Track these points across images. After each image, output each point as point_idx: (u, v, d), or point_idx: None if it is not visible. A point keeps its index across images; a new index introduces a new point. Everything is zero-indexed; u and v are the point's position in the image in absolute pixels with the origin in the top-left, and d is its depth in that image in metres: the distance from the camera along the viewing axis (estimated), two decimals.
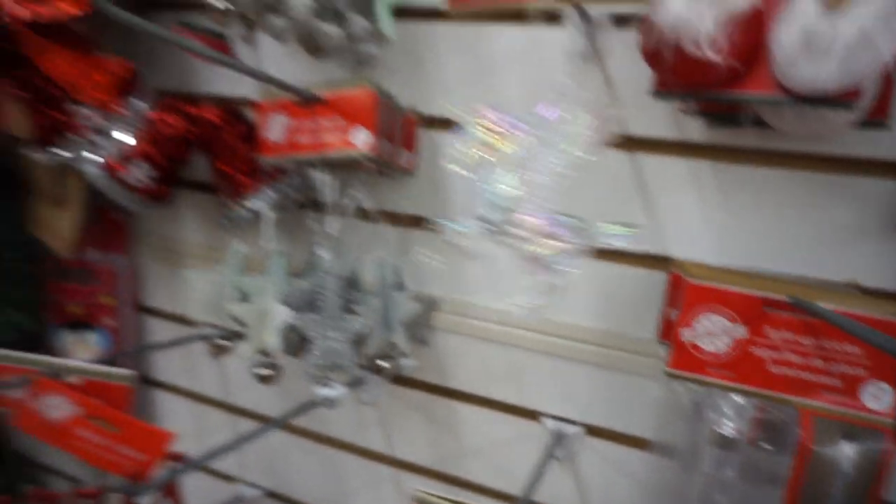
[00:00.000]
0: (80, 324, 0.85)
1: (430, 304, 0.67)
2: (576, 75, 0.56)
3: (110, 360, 0.85)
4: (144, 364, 0.90)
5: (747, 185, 0.54)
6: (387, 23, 0.60)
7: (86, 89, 0.49)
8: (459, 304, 0.67)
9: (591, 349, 0.63)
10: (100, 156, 0.54)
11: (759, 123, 0.46)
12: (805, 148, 0.51)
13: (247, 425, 0.86)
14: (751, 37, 0.39)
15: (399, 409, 0.74)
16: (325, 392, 0.55)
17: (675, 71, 0.41)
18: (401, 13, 0.62)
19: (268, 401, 0.83)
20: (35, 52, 0.48)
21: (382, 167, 0.58)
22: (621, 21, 0.52)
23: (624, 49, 0.54)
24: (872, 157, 0.50)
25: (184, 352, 0.85)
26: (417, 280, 0.67)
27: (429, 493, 0.47)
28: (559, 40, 0.57)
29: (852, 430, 0.42)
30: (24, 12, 0.46)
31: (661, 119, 0.56)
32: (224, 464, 0.88)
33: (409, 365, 0.65)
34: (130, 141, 0.54)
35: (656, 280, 0.58)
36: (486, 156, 0.41)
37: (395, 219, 0.67)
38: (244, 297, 0.62)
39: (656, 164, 0.57)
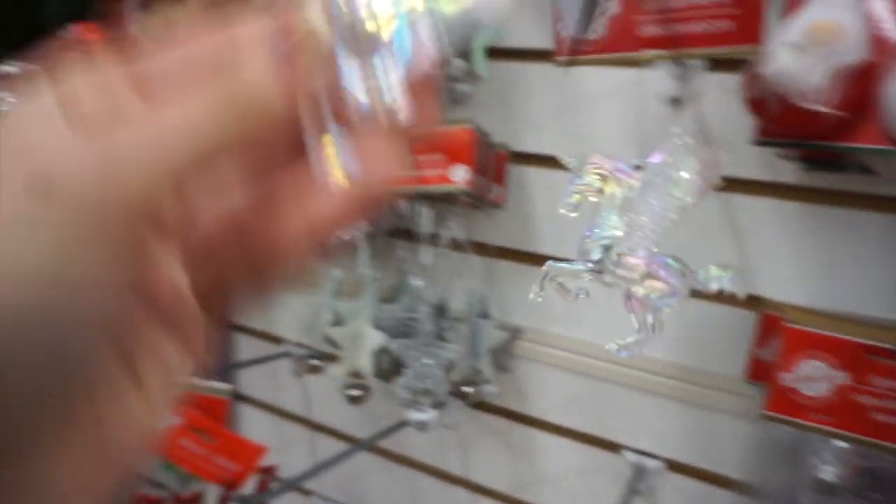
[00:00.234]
0: None
1: (514, 333, 0.69)
2: (669, 117, 0.58)
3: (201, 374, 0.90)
4: (229, 379, 0.95)
5: (843, 227, 0.54)
6: (482, 63, 0.63)
7: None
8: (542, 333, 0.69)
9: (676, 384, 0.63)
10: None
11: (862, 169, 0.47)
12: None
13: (326, 442, 0.89)
14: (860, 89, 0.40)
15: (478, 433, 0.76)
16: (417, 416, 0.58)
17: (781, 121, 0.42)
18: (494, 53, 0.65)
19: (348, 419, 0.86)
20: None
21: (476, 201, 0.61)
22: (715, 64, 0.54)
23: (716, 90, 0.55)
24: None
25: (267, 368, 0.89)
26: (502, 309, 0.69)
27: None
28: (650, 81, 0.59)
29: None
30: None
31: (753, 160, 0.56)
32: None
33: (491, 391, 0.67)
34: None
35: (745, 319, 0.58)
36: (591, 197, 0.43)
37: (483, 249, 0.70)
38: (338, 321, 0.66)
39: (747, 205, 0.57)
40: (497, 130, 0.65)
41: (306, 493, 0.92)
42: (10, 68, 0.53)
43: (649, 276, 0.43)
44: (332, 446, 0.87)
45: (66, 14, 0.76)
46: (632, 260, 0.43)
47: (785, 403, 0.46)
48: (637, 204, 0.43)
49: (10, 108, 0.19)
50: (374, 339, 0.61)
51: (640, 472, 0.66)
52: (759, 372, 0.57)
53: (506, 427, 0.74)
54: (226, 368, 0.92)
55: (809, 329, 0.45)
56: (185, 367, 0.21)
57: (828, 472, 0.44)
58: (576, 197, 0.44)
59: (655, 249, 0.44)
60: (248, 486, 0.74)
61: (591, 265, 0.43)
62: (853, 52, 0.39)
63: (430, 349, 0.57)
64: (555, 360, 0.69)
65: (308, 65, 0.19)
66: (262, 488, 0.76)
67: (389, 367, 0.64)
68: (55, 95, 0.18)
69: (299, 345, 0.80)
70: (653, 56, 0.41)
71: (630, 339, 0.45)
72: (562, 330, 0.68)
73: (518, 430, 0.73)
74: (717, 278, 0.44)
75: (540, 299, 0.46)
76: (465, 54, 0.62)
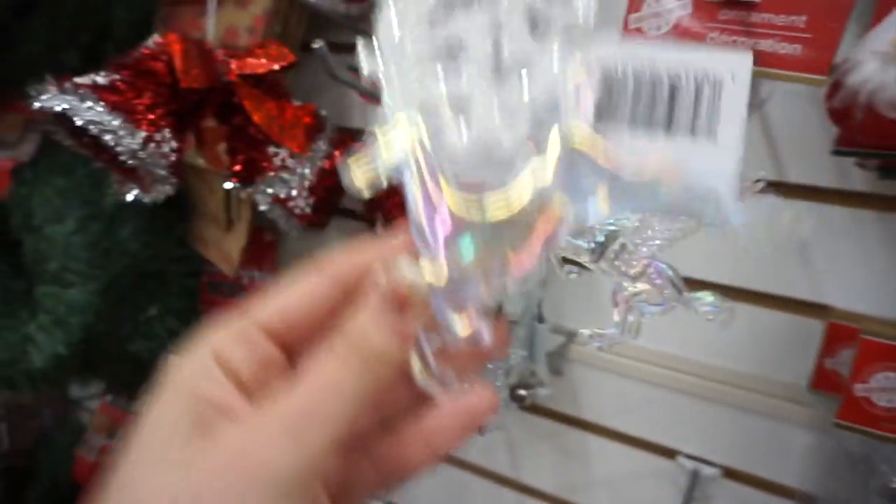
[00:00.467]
0: None
1: (569, 337, 0.69)
2: None
3: None
4: None
5: None
6: None
7: (284, 138, 0.56)
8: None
9: (733, 391, 0.63)
10: (286, 191, 0.60)
11: None
12: None
13: None
14: None
15: (528, 435, 0.76)
16: None
17: (865, 131, 0.41)
18: None
19: None
20: (247, 102, 0.54)
21: None
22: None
23: (781, 95, 0.55)
24: None
25: None
26: (555, 312, 0.70)
27: None
28: None
29: None
30: (242, 68, 0.53)
31: (821, 167, 0.56)
32: None
33: (544, 394, 0.67)
34: (311, 178, 0.60)
35: (810, 327, 0.58)
36: None
37: None
38: None
39: (813, 212, 0.57)
40: None
41: None
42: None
43: (644, 276, 0.42)
44: None
45: (132, 20, 0.78)
46: (633, 255, 0.42)
47: (858, 413, 0.46)
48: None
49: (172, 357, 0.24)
50: None
51: (695, 479, 0.66)
52: (825, 381, 0.56)
53: (557, 430, 0.74)
54: None
55: (886, 341, 0.45)
56: None
57: None
58: None
59: (659, 251, 0.43)
60: None
61: (592, 245, 0.42)
62: None
63: None
64: (608, 363, 0.69)
65: (414, 314, 0.23)
66: None
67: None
68: (212, 352, 0.23)
69: None
70: None
71: (605, 331, 0.44)
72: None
73: (570, 434, 0.73)
74: (705, 303, 0.43)
75: (571, 276, 0.45)
76: None
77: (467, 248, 0.24)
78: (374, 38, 0.26)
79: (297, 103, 0.61)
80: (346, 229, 0.85)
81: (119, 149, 0.50)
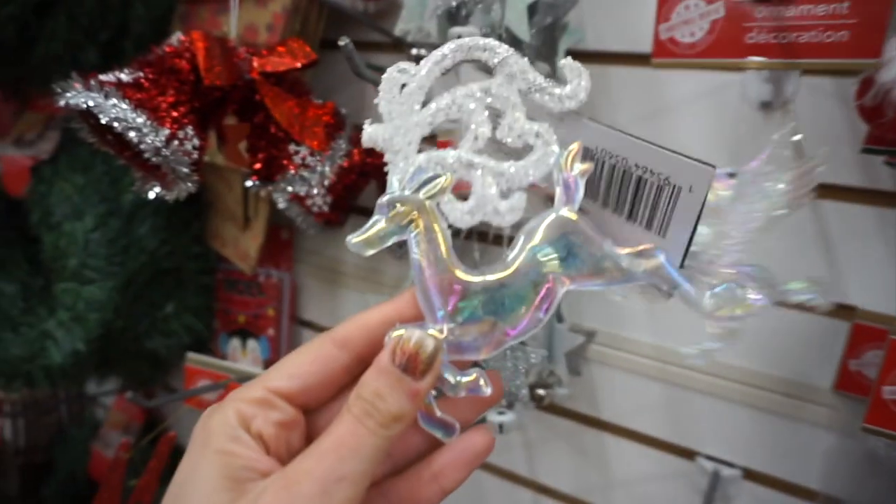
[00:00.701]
0: (244, 332, 0.93)
1: (588, 336, 0.69)
2: (760, 122, 0.57)
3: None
4: None
5: None
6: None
7: (305, 136, 0.56)
8: (614, 337, 0.69)
9: (755, 392, 0.62)
10: (306, 189, 0.60)
11: None
12: None
13: None
14: None
15: (545, 435, 0.76)
16: (497, 417, 0.58)
17: None
18: (575, 56, 0.65)
19: None
20: (269, 100, 0.54)
21: None
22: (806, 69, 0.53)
23: (810, 94, 0.54)
24: None
25: None
26: (573, 311, 0.69)
27: None
28: (739, 84, 0.58)
29: None
30: (263, 65, 0.53)
31: (846, 166, 0.55)
32: None
33: (563, 394, 0.67)
34: (330, 176, 0.60)
35: (834, 329, 0.57)
36: None
37: None
38: None
39: (839, 211, 0.56)
40: None
41: None
42: None
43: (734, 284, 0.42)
44: None
45: (150, 17, 0.78)
46: (717, 267, 0.42)
47: (887, 417, 0.45)
48: (727, 213, 0.43)
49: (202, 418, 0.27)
50: None
51: (715, 480, 0.65)
52: (849, 382, 0.56)
53: (576, 430, 0.74)
54: None
55: None
56: None
57: None
58: None
59: (740, 256, 0.43)
60: None
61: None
62: None
63: (514, 352, 0.58)
64: (628, 364, 0.69)
65: (423, 373, 0.26)
66: None
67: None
68: (237, 416, 0.26)
69: None
70: (759, 64, 0.41)
71: (707, 346, 0.44)
72: (636, 334, 0.68)
73: (588, 434, 0.73)
74: (801, 291, 0.42)
75: (625, 301, 0.46)
76: (547, 57, 0.62)
77: (469, 312, 0.27)
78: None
79: (317, 101, 0.61)
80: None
81: (143, 146, 0.50)
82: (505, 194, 0.28)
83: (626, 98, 0.65)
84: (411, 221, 0.27)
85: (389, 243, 0.28)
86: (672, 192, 0.27)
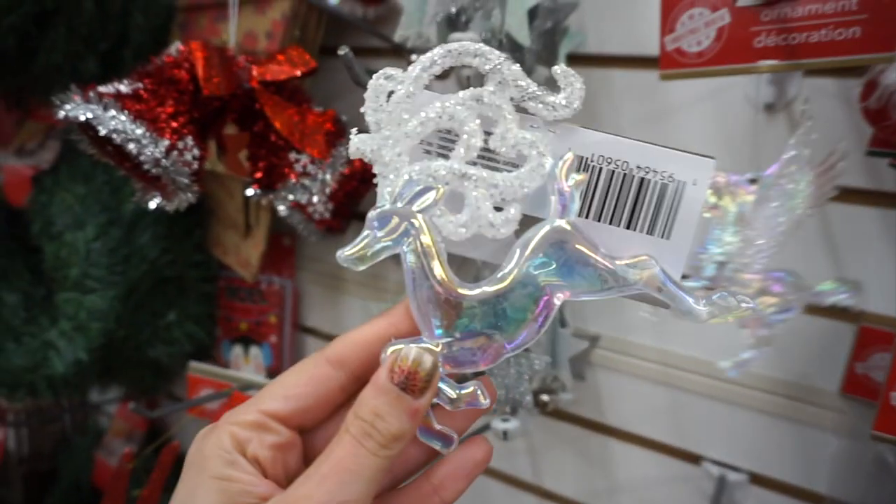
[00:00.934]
0: (247, 339, 0.93)
1: (592, 341, 0.69)
2: (763, 124, 0.57)
3: (273, 374, 0.92)
4: None
5: None
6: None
7: (305, 144, 0.56)
8: (618, 341, 0.68)
9: (761, 396, 0.62)
10: (307, 197, 0.60)
11: None
12: None
13: None
14: None
15: (550, 440, 0.76)
16: (501, 424, 0.58)
17: None
18: (576, 60, 0.64)
19: None
20: (268, 108, 0.54)
21: None
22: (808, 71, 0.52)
23: (811, 94, 0.54)
24: None
25: None
26: (577, 316, 0.69)
27: None
28: (741, 87, 0.58)
29: None
30: (263, 74, 0.53)
31: (851, 168, 0.55)
32: None
33: (567, 399, 0.67)
34: (331, 184, 0.60)
35: (840, 332, 0.57)
36: (704, 213, 0.42)
37: None
38: None
39: (844, 214, 0.56)
40: None
41: None
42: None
43: (763, 291, 0.42)
44: None
45: (150, 26, 0.78)
46: (746, 276, 0.42)
47: None
48: (751, 219, 0.42)
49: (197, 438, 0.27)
50: None
51: (722, 485, 0.65)
52: (856, 386, 0.55)
53: (580, 435, 0.73)
54: None
55: None
56: None
57: None
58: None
59: (767, 263, 0.43)
60: None
61: (704, 282, 0.42)
62: None
63: (519, 359, 0.57)
64: (633, 368, 0.68)
65: (421, 389, 0.25)
66: None
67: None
68: (232, 440, 0.25)
69: None
70: (769, 67, 0.40)
71: (744, 356, 0.44)
72: (640, 339, 0.68)
73: (593, 439, 0.73)
74: (833, 291, 0.42)
75: (654, 318, 0.46)
76: (548, 61, 0.62)
77: (466, 326, 0.27)
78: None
79: (317, 109, 0.60)
80: None
81: (142, 158, 0.50)
82: (499, 206, 0.28)
83: (629, 101, 0.64)
84: (404, 235, 0.27)
85: (382, 258, 0.27)
86: (676, 189, 0.27)
